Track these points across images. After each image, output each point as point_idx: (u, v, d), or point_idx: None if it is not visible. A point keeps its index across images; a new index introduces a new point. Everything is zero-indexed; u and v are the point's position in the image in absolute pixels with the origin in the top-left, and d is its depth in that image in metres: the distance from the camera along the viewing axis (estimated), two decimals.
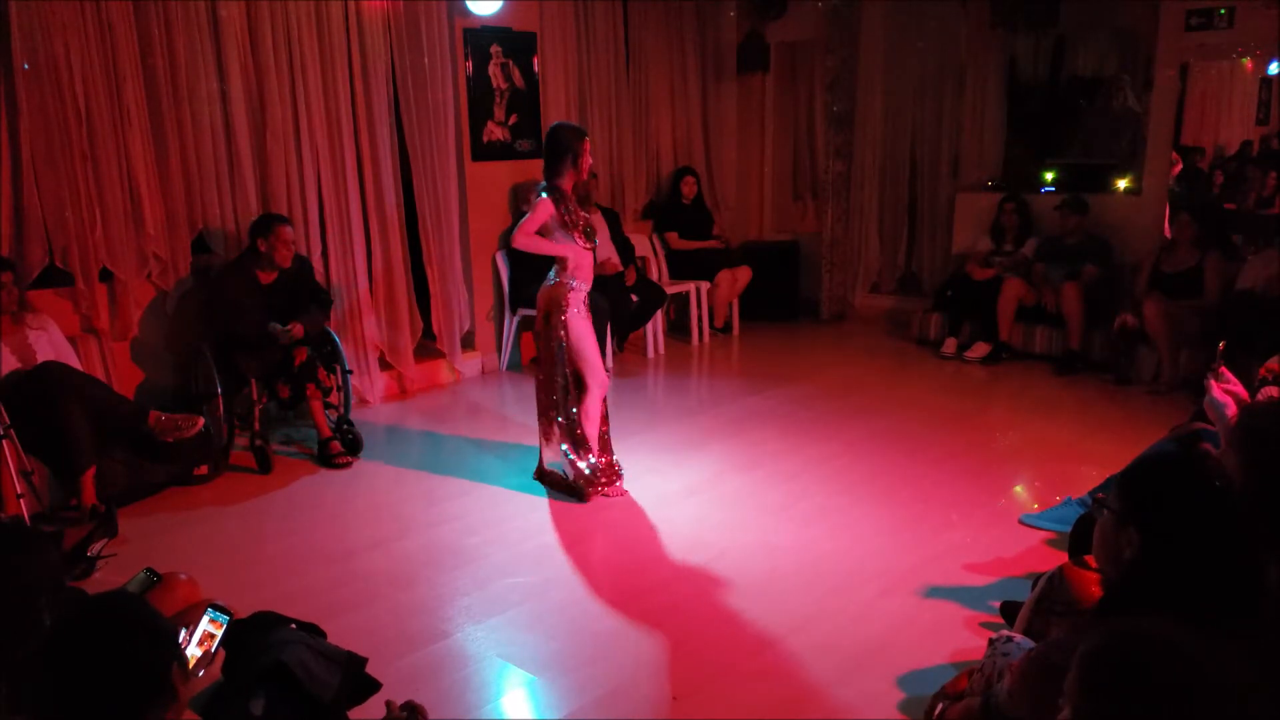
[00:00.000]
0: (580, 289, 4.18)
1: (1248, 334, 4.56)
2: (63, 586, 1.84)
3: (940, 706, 2.33)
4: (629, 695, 2.82)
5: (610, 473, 4.34)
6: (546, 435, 4.36)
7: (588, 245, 4.17)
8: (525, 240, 4.08)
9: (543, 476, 4.45)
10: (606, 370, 4.55)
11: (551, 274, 4.21)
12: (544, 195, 4.07)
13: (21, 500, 3.55)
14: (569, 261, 4.14)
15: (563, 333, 4.16)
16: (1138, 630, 1.29)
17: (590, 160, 4.17)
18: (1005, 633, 2.24)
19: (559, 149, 4.09)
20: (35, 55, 4.38)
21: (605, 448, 4.41)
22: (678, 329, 7.58)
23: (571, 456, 4.28)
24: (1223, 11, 5.75)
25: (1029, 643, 2.14)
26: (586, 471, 4.27)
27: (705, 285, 7.33)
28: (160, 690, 1.44)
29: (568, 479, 4.31)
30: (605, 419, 4.41)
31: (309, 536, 3.99)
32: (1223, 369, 3.08)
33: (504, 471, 4.63)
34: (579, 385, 4.26)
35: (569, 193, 4.14)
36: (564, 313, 4.15)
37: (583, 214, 4.19)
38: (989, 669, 2.14)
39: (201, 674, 1.96)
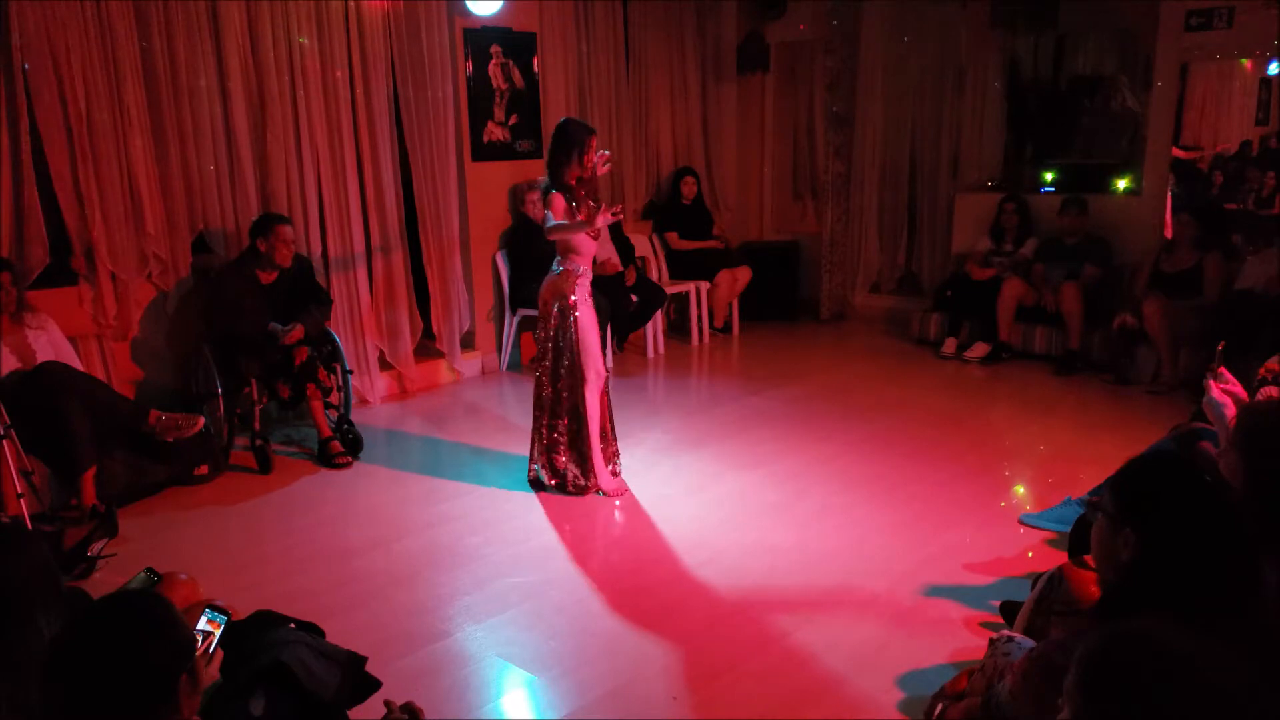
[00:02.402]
0: (586, 275, 4.19)
1: (1247, 334, 4.56)
2: (59, 586, 1.83)
3: (940, 706, 2.33)
4: (629, 695, 2.82)
5: (598, 470, 4.31)
6: (545, 438, 4.35)
7: (594, 234, 4.14)
8: (555, 231, 4.07)
9: (536, 483, 4.44)
10: (607, 368, 4.54)
11: (555, 264, 4.21)
12: (554, 191, 4.06)
13: (21, 500, 3.54)
14: (574, 248, 4.13)
15: (573, 321, 4.15)
16: (1135, 632, 1.29)
17: (595, 158, 4.15)
18: (1006, 633, 2.24)
19: (567, 143, 4.07)
20: (35, 55, 4.38)
21: (607, 440, 4.41)
22: (678, 329, 7.58)
23: (566, 457, 4.30)
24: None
25: (1029, 643, 2.14)
26: (577, 471, 4.29)
27: (705, 285, 7.33)
28: (165, 698, 1.43)
29: (563, 479, 4.33)
30: (609, 411, 4.41)
31: (309, 536, 3.99)
32: (1222, 369, 3.09)
33: (504, 471, 4.63)
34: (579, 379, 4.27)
35: (574, 185, 4.12)
36: (572, 305, 4.15)
37: (589, 203, 4.16)
38: (989, 669, 2.14)
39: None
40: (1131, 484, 1.79)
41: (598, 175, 4.18)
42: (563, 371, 4.22)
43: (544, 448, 4.35)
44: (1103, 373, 6.07)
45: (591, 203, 4.16)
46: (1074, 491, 4.00)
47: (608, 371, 4.48)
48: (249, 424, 4.76)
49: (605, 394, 4.37)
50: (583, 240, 4.13)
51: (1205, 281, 5.78)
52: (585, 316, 4.19)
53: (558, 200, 4.05)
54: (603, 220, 4.02)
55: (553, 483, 4.34)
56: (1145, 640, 1.27)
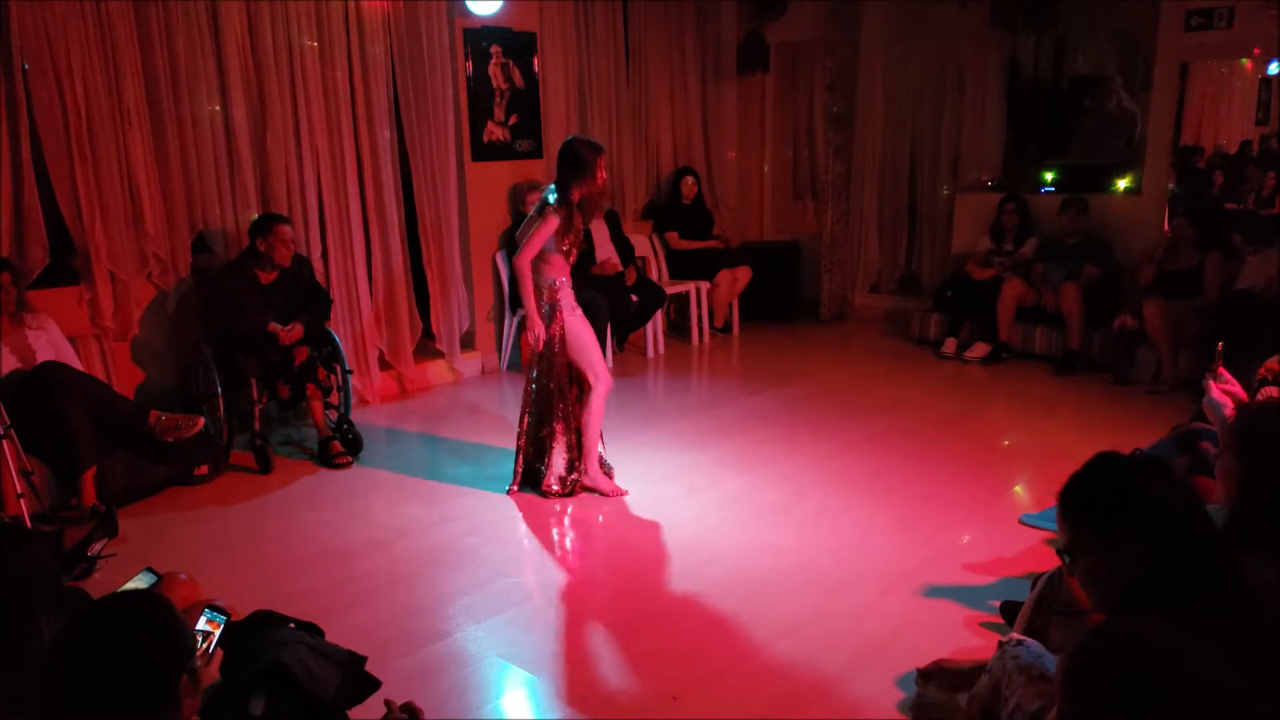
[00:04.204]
0: (564, 286, 4.17)
1: (1247, 334, 4.56)
2: (59, 586, 1.83)
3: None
4: (629, 695, 2.82)
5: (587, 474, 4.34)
6: (533, 440, 4.35)
7: (570, 259, 4.16)
8: (523, 266, 4.06)
9: (527, 481, 4.43)
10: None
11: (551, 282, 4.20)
12: (555, 209, 4.02)
13: (21, 500, 3.54)
14: (547, 261, 4.11)
15: (559, 332, 4.16)
16: (1116, 629, 1.30)
17: (605, 175, 4.14)
18: (1015, 636, 2.23)
19: (578, 164, 4.03)
20: (35, 55, 4.38)
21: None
22: (678, 329, 7.58)
23: (557, 462, 4.31)
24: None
25: (1038, 646, 2.14)
26: (567, 473, 4.30)
27: (705, 285, 7.33)
28: (165, 698, 1.43)
29: (550, 481, 4.31)
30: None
31: (309, 536, 3.99)
32: (1221, 369, 3.09)
33: (505, 472, 4.62)
34: (578, 386, 4.27)
35: (575, 204, 4.10)
36: (558, 311, 4.15)
37: (579, 226, 4.17)
38: (997, 671, 2.14)
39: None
40: (1084, 500, 1.78)
41: (604, 192, 4.15)
42: (549, 376, 4.22)
43: (539, 450, 4.35)
44: (1103, 373, 6.07)
45: (582, 224, 4.13)
46: None
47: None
48: (249, 424, 4.76)
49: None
50: (560, 265, 4.14)
51: (1205, 281, 5.78)
52: (574, 326, 4.18)
53: (550, 222, 4.01)
54: (537, 334, 4.12)
55: (549, 484, 4.33)
56: (1122, 637, 1.27)
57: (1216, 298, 5.70)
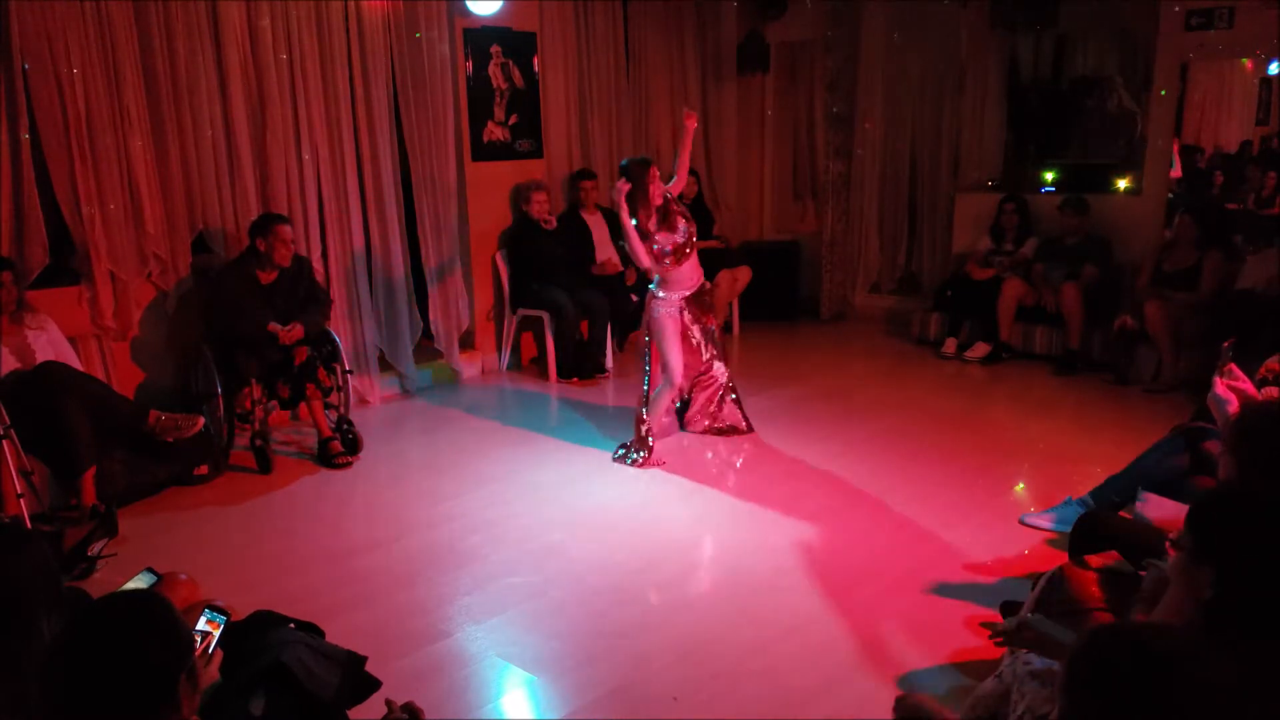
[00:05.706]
0: (670, 299, 4.66)
1: (1247, 334, 4.56)
2: (59, 586, 1.83)
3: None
4: (629, 695, 2.82)
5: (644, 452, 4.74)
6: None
7: (663, 254, 4.52)
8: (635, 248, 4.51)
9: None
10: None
11: (653, 285, 4.73)
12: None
13: (21, 500, 3.55)
14: (664, 279, 4.63)
15: (647, 329, 4.74)
16: (1116, 629, 1.30)
17: (659, 188, 4.52)
18: None
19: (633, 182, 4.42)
20: (35, 55, 4.38)
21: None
22: None
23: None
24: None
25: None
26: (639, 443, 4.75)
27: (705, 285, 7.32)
28: (165, 697, 1.43)
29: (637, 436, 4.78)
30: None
31: (309, 536, 4.00)
32: (1231, 366, 3.08)
33: (504, 471, 4.63)
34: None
35: (652, 215, 4.49)
36: (653, 313, 4.69)
37: (654, 228, 4.51)
38: (1008, 676, 2.15)
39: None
40: (1210, 522, 1.77)
41: (672, 195, 4.60)
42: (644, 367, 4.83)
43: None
44: (1103, 373, 6.06)
45: (683, 220, 4.55)
46: (1074, 491, 3.99)
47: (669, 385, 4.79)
48: (249, 424, 4.76)
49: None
50: (668, 271, 4.59)
51: (1203, 278, 5.77)
52: (659, 329, 4.65)
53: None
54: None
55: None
56: (1121, 637, 1.28)
57: (1211, 295, 5.69)
